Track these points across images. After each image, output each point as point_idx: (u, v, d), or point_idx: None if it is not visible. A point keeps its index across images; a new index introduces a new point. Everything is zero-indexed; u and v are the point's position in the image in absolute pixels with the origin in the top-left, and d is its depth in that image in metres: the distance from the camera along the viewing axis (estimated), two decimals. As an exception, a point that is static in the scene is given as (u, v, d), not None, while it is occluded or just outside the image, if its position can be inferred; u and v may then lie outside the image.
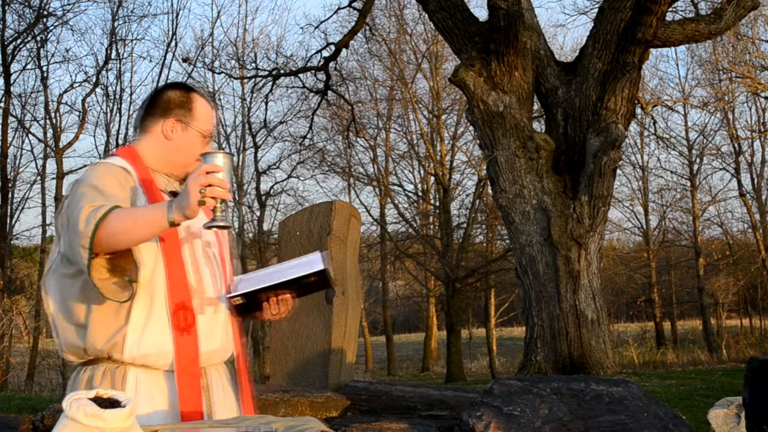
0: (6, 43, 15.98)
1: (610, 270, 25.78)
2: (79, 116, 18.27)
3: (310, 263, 2.08)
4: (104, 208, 1.83)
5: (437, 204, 22.54)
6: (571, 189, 10.95)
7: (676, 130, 25.00)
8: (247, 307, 2.13)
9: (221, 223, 1.86)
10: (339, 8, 15.65)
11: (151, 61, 34.29)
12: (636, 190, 25.08)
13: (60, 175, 17.26)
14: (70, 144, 17.95)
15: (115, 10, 19.14)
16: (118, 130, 19.48)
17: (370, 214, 22.70)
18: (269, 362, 8.77)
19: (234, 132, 21.76)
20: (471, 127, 17.53)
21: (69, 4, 17.92)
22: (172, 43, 21.46)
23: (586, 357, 10.32)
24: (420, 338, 27.53)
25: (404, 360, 26.22)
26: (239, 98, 21.51)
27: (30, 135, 18.64)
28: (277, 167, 21.74)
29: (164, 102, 2.12)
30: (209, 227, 1.88)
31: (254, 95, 20.81)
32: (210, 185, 1.79)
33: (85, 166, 18.42)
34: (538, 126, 13.89)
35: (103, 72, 18.91)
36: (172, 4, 38.73)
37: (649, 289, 25.39)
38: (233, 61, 20.97)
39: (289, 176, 21.71)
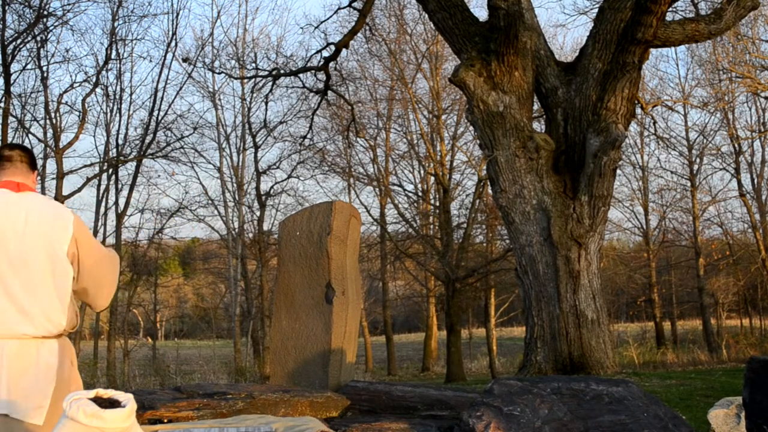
0: (6, 43, 15.94)
1: (610, 270, 25.77)
2: (79, 116, 18.27)
3: None
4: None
5: (437, 204, 22.53)
6: (571, 189, 10.94)
7: (676, 130, 25.04)
8: None
9: None
10: (339, 8, 15.65)
11: (151, 61, 34.18)
12: (636, 190, 25.11)
13: (60, 175, 17.24)
14: (70, 144, 17.93)
15: (115, 10, 19.17)
16: (118, 130, 19.52)
17: (370, 214, 22.72)
18: (269, 362, 8.76)
19: (234, 132, 21.80)
20: (471, 127, 17.52)
21: (69, 4, 17.87)
22: (172, 43, 21.51)
23: (586, 357, 10.31)
24: (420, 338, 27.54)
25: (404, 360, 26.22)
26: (239, 98, 21.54)
27: (30, 135, 18.61)
28: (277, 167, 21.76)
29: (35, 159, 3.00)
30: None
31: (254, 95, 20.84)
32: None
33: (85, 166, 18.44)
34: (538, 126, 13.88)
35: (103, 72, 18.92)
36: (172, 4, 38.75)
37: (649, 289, 25.39)
38: (233, 61, 21.00)
39: (289, 176, 21.72)
